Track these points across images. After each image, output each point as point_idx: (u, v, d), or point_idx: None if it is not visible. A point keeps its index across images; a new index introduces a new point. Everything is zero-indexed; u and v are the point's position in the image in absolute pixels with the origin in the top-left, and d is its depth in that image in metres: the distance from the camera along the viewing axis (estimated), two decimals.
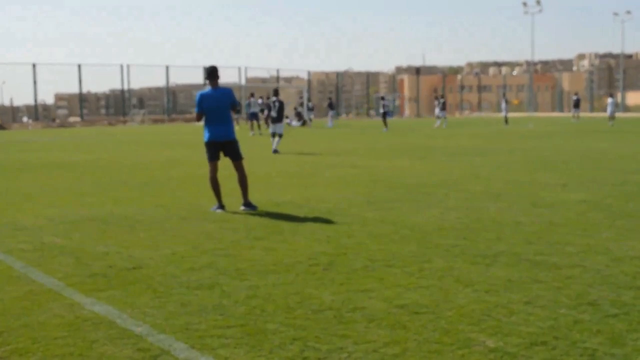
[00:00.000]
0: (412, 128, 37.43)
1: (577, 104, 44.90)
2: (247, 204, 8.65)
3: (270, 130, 19.07)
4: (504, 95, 46.65)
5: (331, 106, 44.19)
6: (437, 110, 40.46)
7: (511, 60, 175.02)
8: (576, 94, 47.70)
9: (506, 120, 40.13)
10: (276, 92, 19.02)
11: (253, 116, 30.81)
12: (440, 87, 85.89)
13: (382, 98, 35.97)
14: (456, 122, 45.48)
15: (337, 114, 53.98)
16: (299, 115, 40.76)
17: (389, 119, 53.51)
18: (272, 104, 18.76)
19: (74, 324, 4.25)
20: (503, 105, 41.63)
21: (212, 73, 8.55)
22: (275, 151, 18.30)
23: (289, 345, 3.84)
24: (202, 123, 8.75)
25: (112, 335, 4.03)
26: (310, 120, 42.54)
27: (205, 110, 8.57)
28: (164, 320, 4.29)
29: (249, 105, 31.67)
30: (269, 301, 4.68)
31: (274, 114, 18.69)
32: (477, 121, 48.39)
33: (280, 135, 18.75)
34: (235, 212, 8.45)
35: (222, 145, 8.62)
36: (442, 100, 39.43)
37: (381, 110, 33.85)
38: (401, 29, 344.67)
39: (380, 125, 33.88)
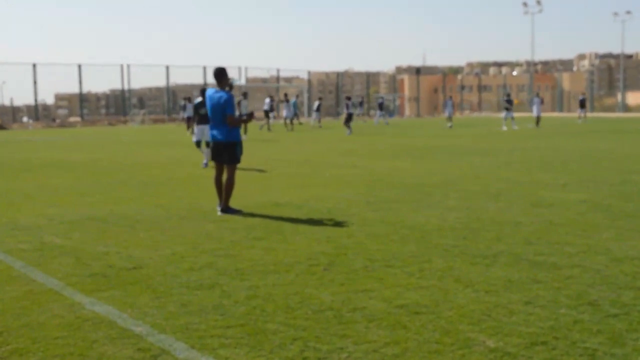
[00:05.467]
0: (412, 128, 37.41)
1: (582, 104, 42.99)
2: (225, 209, 8.37)
3: (195, 137, 14.91)
4: (537, 94, 40.01)
5: (381, 106, 44.65)
6: (504, 113, 33.92)
7: (511, 61, 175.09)
8: (583, 93, 46.76)
9: (538, 120, 34.57)
10: (203, 92, 13.93)
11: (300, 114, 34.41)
12: (441, 87, 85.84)
13: (348, 98, 34.18)
14: (457, 123, 45.44)
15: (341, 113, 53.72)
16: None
17: (390, 119, 53.50)
18: (199, 104, 14.64)
19: (74, 324, 4.26)
20: (536, 105, 35.38)
21: (216, 75, 8.44)
22: (208, 164, 14.66)
23: (289, 345, 3.84)
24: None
25: (112, 335, 4.03)
26: (319, 120, 40.89)
27: (207, 110, 8.62)
28: (164, 320, 4.29)
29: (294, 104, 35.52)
30: (269, 301, 4.68)
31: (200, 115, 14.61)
32: (478, 121, 48.36)
33: (208, 144, 14.07)
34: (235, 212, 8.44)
35: (219, 146, 8.54)
36: (506, 99, 34.40)
37: (345, 111, 31.93)
38: (401, 29, 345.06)
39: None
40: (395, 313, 4.38)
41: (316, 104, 40.10)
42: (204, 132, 14.32)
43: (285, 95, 37.60)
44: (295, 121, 37.54)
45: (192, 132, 15.81)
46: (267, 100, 35.65)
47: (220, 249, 6.33)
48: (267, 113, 34.78)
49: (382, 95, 63.45)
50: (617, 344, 3.80)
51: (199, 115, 14.53)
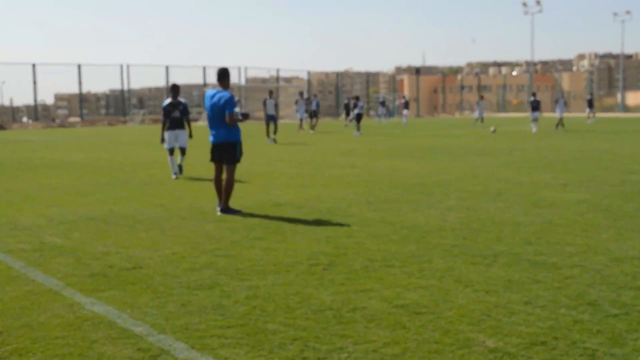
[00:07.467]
0: (412, 128, 37.39)
1: (591, 104, 41.29)
2: (225, 210, 8.39)
3: (167, 145, 12.87)
4: (562, 94, 37.50)
5: (407, 105, 44.54)
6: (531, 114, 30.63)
7: (511, 61, 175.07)
8: (590, 93, 46.37)
9: (561, 122, 31.58)
10: (176, 90, 12.93)
11: (314, 113, 34.90)
12: (441, 87, 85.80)
13: (357, 98, 33.43)
14: (458, 123, 45.43)
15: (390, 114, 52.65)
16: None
17: (389, 119, 53.42)
18: (170, 106, 12.80)
19: (74, 324, 4.25)
20: (560, 105, 32.61)
21: (219, 75, 8.45)
22: (178, 173, 12.81)
23: (289, 345, 3.84)
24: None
25: (112, 335, 4.03)
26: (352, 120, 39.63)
27: (207, 110, 8.58)
28: (164, 320, 4.29)
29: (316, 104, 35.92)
30: (269, 301, 4.68)
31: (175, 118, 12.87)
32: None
33: (184, 151, 13.00)
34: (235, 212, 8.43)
35: (218, 147, 8.53)
36: (533, 99, 31.79)
37: (355, 112, 31.27)
38: (401, 29, 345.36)
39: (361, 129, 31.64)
40: (395, 313, 4.38)
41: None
42: (178, 137, 12.85)
43: (301, 93, 34.81)
44: (314, 121, 35.44)
45: (162, 140, 12.91)
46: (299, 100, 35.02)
47: (220, 249, 6.33)
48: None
49: (404, 95, 62.78)
50: (617, 344, 3.80)
51: (170, 119, 12.76)
